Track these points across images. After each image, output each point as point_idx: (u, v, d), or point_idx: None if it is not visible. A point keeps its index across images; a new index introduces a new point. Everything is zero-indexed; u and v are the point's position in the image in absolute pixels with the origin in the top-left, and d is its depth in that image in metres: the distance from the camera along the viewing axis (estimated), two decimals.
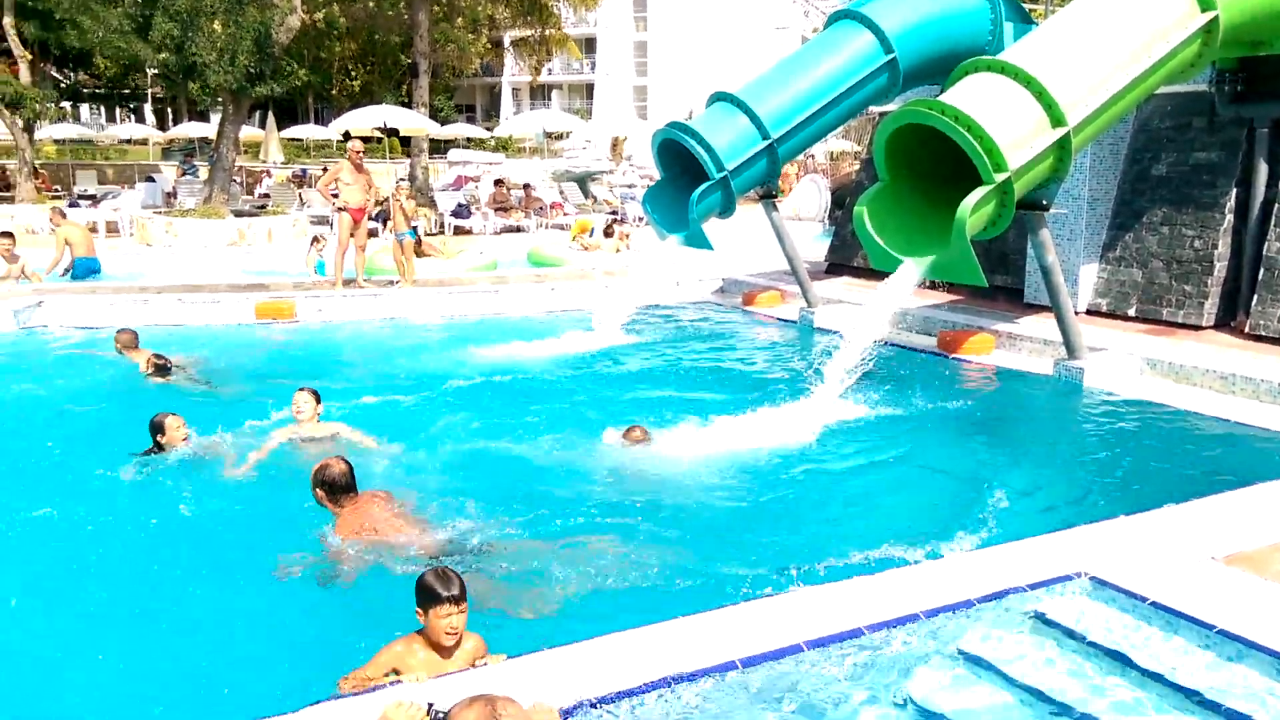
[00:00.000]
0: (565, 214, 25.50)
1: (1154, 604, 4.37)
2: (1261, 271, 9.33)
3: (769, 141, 10.78)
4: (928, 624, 4.25)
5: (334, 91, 48.10)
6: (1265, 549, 4.99)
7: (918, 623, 4.24)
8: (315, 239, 15.98)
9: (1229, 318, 9.72)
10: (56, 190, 29.71)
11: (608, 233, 18.03)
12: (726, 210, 11.17)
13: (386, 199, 14.59)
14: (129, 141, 39.65)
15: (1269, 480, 5.91)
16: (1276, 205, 9.33)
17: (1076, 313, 10.74)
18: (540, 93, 64.54)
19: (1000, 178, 7.32)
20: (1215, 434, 7.32)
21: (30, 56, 27.32)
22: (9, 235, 12.72)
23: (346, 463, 5.48)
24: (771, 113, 10.83)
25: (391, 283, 13.16)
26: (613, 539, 5.43)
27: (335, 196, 12.89)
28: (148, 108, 47.81)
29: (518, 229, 23.65)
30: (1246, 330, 9.34)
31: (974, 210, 7.33)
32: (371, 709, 3.24)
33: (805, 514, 6.01)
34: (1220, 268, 9.67)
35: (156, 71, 22.29)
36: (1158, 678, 3.90)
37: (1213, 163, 9.90)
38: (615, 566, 5.10)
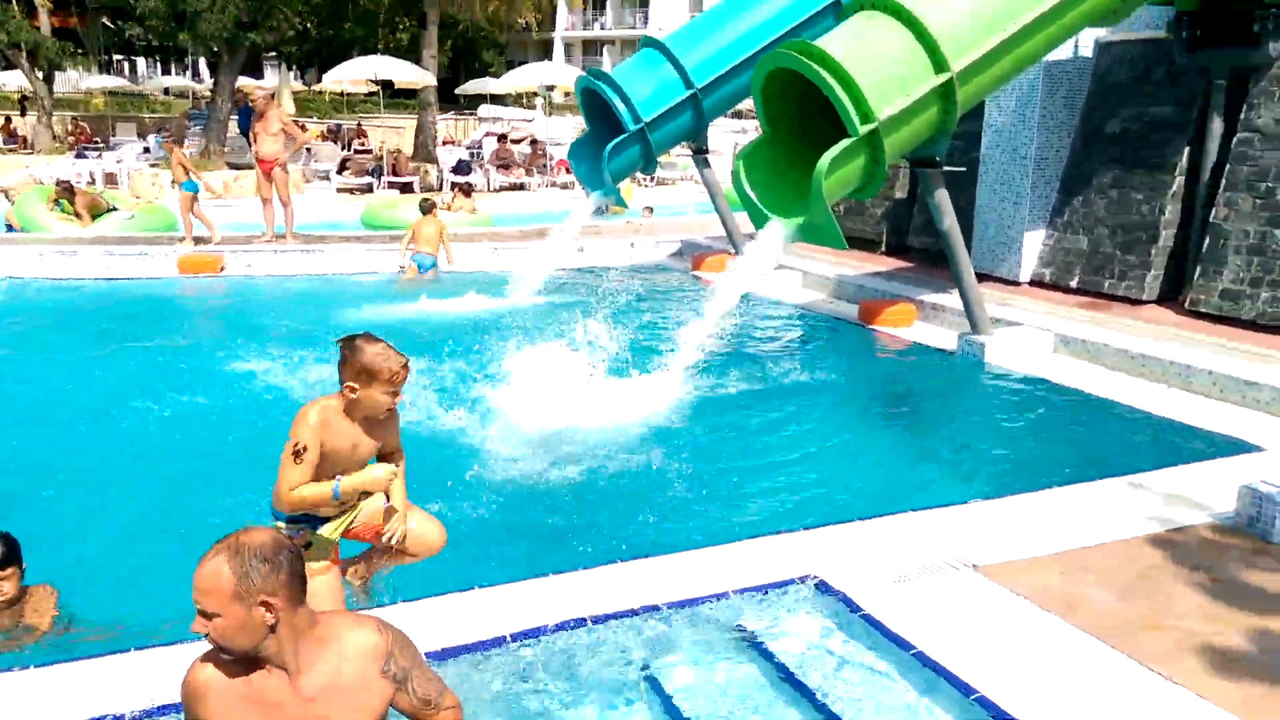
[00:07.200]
0: (570, 172, 24.90)
1: (864, 616, 3.79)
2: (1205, 240, 8.37)
3: (692, 91, 10.09)
4: (641, 620, 3.74)
5: (379, 44, 47.86)
6: (1044, 557, 4.33)
7: (651, 614, 3.73)
8: (5, 192, 14.04)
9: (1174, 291, 8.78)
10: (96, 141, 30.13)
11: (465, 192, 17.38)
12: (648, 166, 10.57)
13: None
14: (167, 93, 40.17)
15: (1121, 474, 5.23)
16: (1227, 167, 8.33)
17: (1018, 283, 9.92)
18: (593, 48, 63.58)
19: (866, 130, 6.59)
20: (1105, 420, 6.54)
21: (50, 5, 27.60)
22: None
23: None
24: (697, 60, 10.13)
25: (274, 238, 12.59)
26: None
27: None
28: (202, 62, 48.12)
29: (520, 186, 23.15)
30: (1187, 305, 8.41)
31: (837, 165, 6.62)
32: None
33: (621, 492, 5.48)
34: (1166, 235, 8.74)
35: (150, 22, 22.03)
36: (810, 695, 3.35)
37: (1168, 119, 8.92)
38: None
